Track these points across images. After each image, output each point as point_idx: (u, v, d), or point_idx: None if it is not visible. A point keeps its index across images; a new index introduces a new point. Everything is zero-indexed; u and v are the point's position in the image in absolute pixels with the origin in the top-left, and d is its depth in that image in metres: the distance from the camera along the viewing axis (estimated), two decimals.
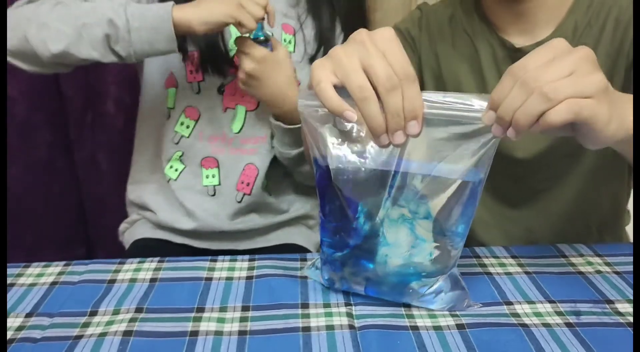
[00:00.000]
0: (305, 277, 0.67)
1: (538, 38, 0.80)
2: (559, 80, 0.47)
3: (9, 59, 0.84)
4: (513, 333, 0.57)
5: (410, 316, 0.60)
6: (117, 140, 1.36)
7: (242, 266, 0.70)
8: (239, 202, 0.99)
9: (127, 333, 0.57)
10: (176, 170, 1.00)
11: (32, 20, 0.80)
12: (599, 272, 0.68)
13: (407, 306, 0.61)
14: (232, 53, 0.94)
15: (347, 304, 0.62)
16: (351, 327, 0.58)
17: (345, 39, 0.95)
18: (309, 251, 1.04)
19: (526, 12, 0.80)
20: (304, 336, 0.56)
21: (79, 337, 0.56)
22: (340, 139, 0.56)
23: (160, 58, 0.96)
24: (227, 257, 0.72)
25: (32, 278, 0.68)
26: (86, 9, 0.80)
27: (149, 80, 1.00)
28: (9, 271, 0.69)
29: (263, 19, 0.83)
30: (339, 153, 0.56)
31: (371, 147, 0.55)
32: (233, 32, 0.94)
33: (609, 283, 0.66)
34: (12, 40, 0.81)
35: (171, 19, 0.79)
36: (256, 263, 0.71)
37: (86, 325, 0.58)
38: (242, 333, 0.57)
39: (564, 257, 0.72)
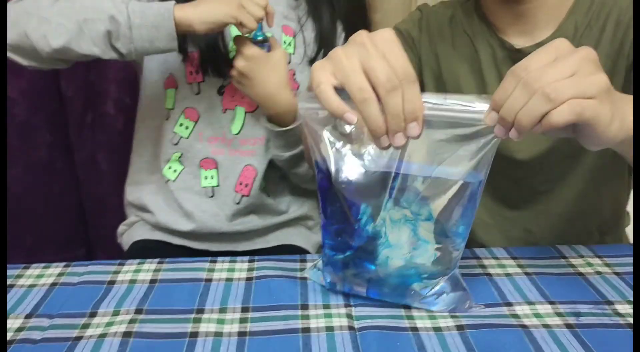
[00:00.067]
0: (305, 279, 0.67)
1: (538, 39, 0.80)
2: (561, 81, 0.47)
3: (7, 53, 0.84)
4: (513, 334, 0.57)
5: (410, 317, 0.60)
6: (117, 140, 1.36)
7: (241, 267, 0.70)
8: (238, 203, 0.99)
9: (126, 334, 0.57)
10: (175, 171, 1.00)
11: (33, 15, 0.80)
12: (599, 273, 0.68)
13: (407, 307, 0.61)
14: (232, 54, 0.94)
15: (346, 305, 0.62)
16: (351, 328, 0.58)
17: (346, 40, 0.95)
18: (308, 252, 1.04)
19: (526, 13, 0.80)
20: (304, 337, 0.56)
21: (78, 339, 0.56)
22: (341, 142, 0.56)
23: (159, 59, 0.96)
24: (227, 259, 0.72)
25: (32, 279, 0.68)
26: (88, 5, 0.80)
27: (148, 81, 1.00)
28: (9, 272, 0.69)
29: (262, 19, 0.83)
30: (340, 155, 0.56)
31: (372, 149, 0.55)
32: (233, 34, 0.94)
33: (609, 284, 0.66)
34: (12, 34, 0.81)
35: (172, 17, 0.79)
36: (256, 264, 0.70)
37: (86, 326, 0.58)
38: (241, 334, 0.57)
39: (563, 258, 0.72)
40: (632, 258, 0.72)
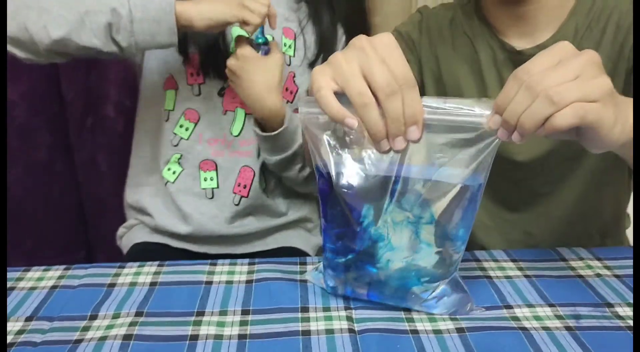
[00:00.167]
0: (305, 281, 0.67)
1: (538, 41, 0.80)
2: (564, 84, 0.47)
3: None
4: (513, 337, 0.57)
5: (410, 320, 0.60)
6: (117, 142, 1.36)
7: (241, 270, 0.70)
8: (237, 205, 0.99)
9: (127, 337, 0.57)
10: (174, 172, 1.00)
11: (33, 7, 0.79)
12: (598, 275, 0.68)
13: (407, 310, 0.61)
14: (234, 49, 0.94)
15: (347, 308, 0.62)
16: (351, 331, 0.58)
17: (347, 42, 0.95)
18: (307, 255, 1.04)
19: (526, 15, 0.80)
20: (304, 340, 0.56)
21: (79, 341, 0.56)
22: (341, 146, 0.56)
23: (159, 59, 0.97)
24: (227, 261, 0.72)
25: (32, 282, 0.68)
26: None
27: (147, 82, 1.00)
28: (9, 274, 0.69)
29: (266, 16, 0.83)
30: (340, 160, 0.56)
31: (372, 153, 0.56)
32: (233, 34, 0.94)
33: (609, 287, 0.66)
34: (11, 27, 0.80)
35: (174, 12, 0.79)
36: (256, 267, 0.71)
37: (86, 329, 0.58)
38: (241, 337, 0.57)
39: (563, 260, 0.72)
40: (632, 260, 0.72)
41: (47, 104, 1.32)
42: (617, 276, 0.68)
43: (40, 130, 1.33)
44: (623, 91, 0.77)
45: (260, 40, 0.89)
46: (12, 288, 0.66)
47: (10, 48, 0.83)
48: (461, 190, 0.55)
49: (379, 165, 0.56)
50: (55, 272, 0.70)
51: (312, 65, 1.01)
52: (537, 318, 0.60)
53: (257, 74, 0.88)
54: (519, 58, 0.80)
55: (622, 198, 0.93)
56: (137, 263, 0.71)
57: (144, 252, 1.01)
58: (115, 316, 0.61)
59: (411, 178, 0.55)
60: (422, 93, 0.90)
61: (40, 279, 0.68)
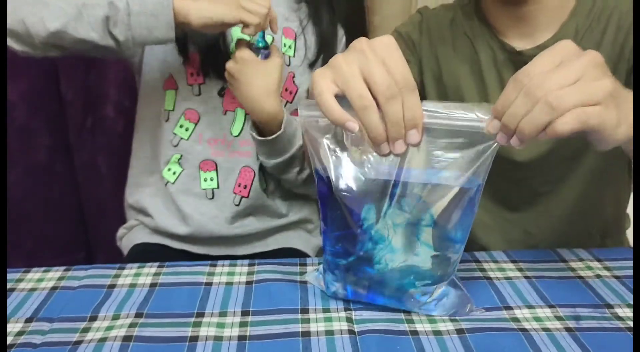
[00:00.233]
0: (305, 282, 0.67)
1: (539, 41, 0.80)
2: (564, 88, 0.47)
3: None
4: (513, 338, 0.57)
5: (410, 321, 0.60)
6: (117, 143, 1.36)
7: (241, 271, 0.70)
8: (237, 205, 0.99)
9: (126, 338, 0.57)
10: (174, 173, 1.00)
11: (30, 1, 0.79)
12: (598, 276, 0.68)
13: (407, 311, 0.61)
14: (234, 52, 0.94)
15: (346, 309, 0.62)
16: (351, 332, 0.58)
17: (347, 43, 0.95)
18: (308, 256, 1.04)
19: (527, 15, 0.80)
20: (304, 341, 0.56)
21: (78, 343, 0.56)
22: (340, 149, 0.56)
23: (159, 59, 0.96)
24: (227, 262, 0.72)
25: (32, 283, 0.68)
26: None
27: (147, 82, 1.00)
28: (9, 275, 0.69)
29: (265, 17, 0.82)
30: (340, 163, 0.56)
31: (371, 157, 0.56)
32: (234, 36, 0.94)
33: (609, 288, 0.66)
34: (8, 19, 0.80)
35: (172, 7, 0.79)
36: (256, 268, 0.71)
37: (86, 330, 0.58)
38: (241, 338, 0.57)
39: (563, 261, 0.72)
40: (632, 261, 0.72)
41: (46, 105, 1.32)
42: (617, 277, 0.68)
43: (39, 131, 1.33)
44: None
45: (260, 44, 0.89)
46: (12, 289, 0.66)
47: (7, 40, 0.82)
48: (460, 192, 0.55)
49: (378, 169, 0.56)
50: (55, 273, 0.70)
51: (312, 65, 1.01)
52: (537, 319, 0.60)
53: (256, 78, 0.88)
54: (519, 59, 0.80)
55: (622, 198, 0.93)
56: (137, 264, 0.71)
57: (144, 253, 1.00)
58: (115, 317, 0.61)
59: (410, 181, 0.55)
60: (423, 93, 0.91)
61: (40, 280, 0.68)
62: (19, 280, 0.68)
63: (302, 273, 0.69)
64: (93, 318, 0.61)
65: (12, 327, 0.59)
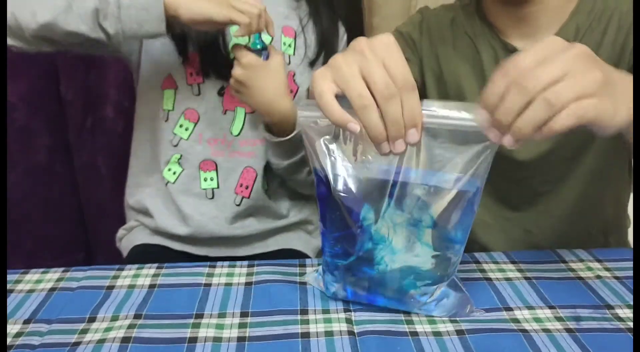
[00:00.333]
0: (305, 283, 0.67)
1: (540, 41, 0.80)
2: (559, 84, 0.47)
3: None
4: (513, 339, 0.57)
5: (410, 322, 0.60)
6: (117, 144, 1.36)
7: (241, 272, 0.70)
8: (238, 205, 0.99)
9: (125, 339, 0.56)
10: (174, 173, 1.00)
11: None
12: (598, 277, 0.68)
13: (407, 312, 0.61)
14: (232, 55, 0.94)
15: (346, 310, 0.62)
16: (350, 333, 0.58)
17: (348, 41, 0.94)
18: (308, 257, 1.04)
19: (528, 16, 0.80)
20: (303, 342, 0.56)
21: (77, 344, 0.56)
22: (339, 150, 0.56)
23: (157, 59, 0.96)
24: (226, 263, 0.72)
25: (31, 284, 0.67)
26: None
27: (145, 82, 0.99)
28: (8, 276, 0.69)
29: (257, 17, 0.82)
30: (338, 163, 0.56)
31: (370, 157, 0.55)
32: (230, 44, 0.94)
33: (609, 288, 0.66)
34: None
35: (162, 0, 0.78)
36: (255, 269, 0.70)
37: (84, 331, 0.58)
38: (240, 339, 0.57)
39: (563, 262, 0.72)
40: (632, 262, 0.71)
41: (46, 105, 1.32)
42: (617, 278, 0.68)
43: (39, 131, 1.32)
44: None
45: (259, 46, 0.89)
46: (11, 290, 0.66)
47: None
48: (459, 193, 0.55)
49: (377, 169, 0.56)
50: (54, 274, 0.69)
51: (312, 64, 1.01)
52: (537, 320, 0.60)
53: (267, 80, 0.88)
54: None
55: (622, 196, 0.93)
56: (136, 265, 0.71)
57: (144, 255, 1.00)
58: (114, 318, 0.60)
59: (409, 182, 0.55)
60: (424, 93, 0.91)
61: (38, 281, 0.68)
62: (18, 281, 0.68)
63: (302, 274, 0.69)
64: (92, 319, 0.60)
65: (11, 328, 0.59)
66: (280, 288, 0.66)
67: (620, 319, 0.60)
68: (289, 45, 1.00)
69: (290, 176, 0.99)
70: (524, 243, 0.90)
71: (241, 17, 0.80)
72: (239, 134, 0.98)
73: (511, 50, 0.82)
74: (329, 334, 0.57)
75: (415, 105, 0.51)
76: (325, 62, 0.99)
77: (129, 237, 1.06)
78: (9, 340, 0.57)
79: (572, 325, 0.59)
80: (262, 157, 0.99)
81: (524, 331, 0.58)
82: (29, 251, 1.38)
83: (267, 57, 0.89)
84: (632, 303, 0.63)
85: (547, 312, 0.61)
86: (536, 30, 0.81)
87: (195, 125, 0.98)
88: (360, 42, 0.52)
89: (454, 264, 0.60)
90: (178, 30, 0.83)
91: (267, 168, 1.00)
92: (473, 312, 0.61)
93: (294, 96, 1.00)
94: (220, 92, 0.97)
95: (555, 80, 0.47)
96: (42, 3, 0.78)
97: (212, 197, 0.99)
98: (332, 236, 0.60)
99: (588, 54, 0.49)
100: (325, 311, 0.62)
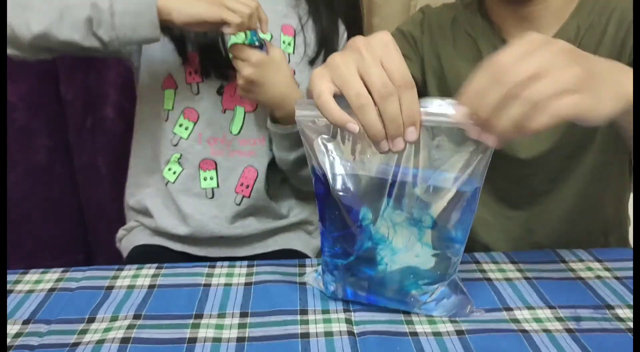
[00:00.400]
0: (304, 283, 0.67)
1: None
2: (539, 82, 0.46)
3: None
4: (513, 339, 0.56)
5: (410, 322, 0.60)
6: (116, 144, 1.36)
7: (240, 272, 0.70)
8: (238, 204, 0.99)
9: (125, 340, 0.56)
10: (174, 173, 1.00)
11: (16, 4, 0.79)
12: (599, 277, 0.68)
13: (407, 312, 0.61)
14: (231, 55, 0.94)
15: (346, 310, 0.62)
16: (350, 333, 0.57)
17: (349, 39, 0.94)
18: (307, 257, 1.04)
19: (530, 15, 0.80)
20: (303, 342, 0.56)
21: (76, 345, 0.56)
22: (337, 149, 0.56)
23: (158, 59, 0.96)
24: (226, 263, 0.72)
25: (30, 285, 0.67)
26: None
27: (146, 82, 0.99)
28: (7, 277, 0.69)
29: (249, 16, 0.82)
30: (337, 162, 0.56)
31: (368, 156, 0.55)
32: (228, 44, 0.93)
33: (609, 288, 0.66)
34: None
35: (155, 6, 0.78)
36: (255, 269, 0.70)
37: (84, 332, 0.58)
38: (240, 339, 0.57)
39: (563, 262, 0.72)
40: (632, 262, 0.71)
41: (46, 105, 1.32)
42: (617, 278, 0.68)
43: (39, 131, 1.32)
44: None
45: (256, 43, 0.89)
46: (10, 291, 0.66)
47: None
48: (458, 192, 0.55)
49: (375, 168, 0.56)
50: (53, 274, 0.69)
51: (312, 62, 1.01)
52: (537, 320, 0.60)
53: (277, 74, 0.88)
54: None
55: (623, 196, 0.93)
56: (136, 266, 0.71)
57: (144, 255, 1.00)
58: (113, 319, 0.60)
59: (408, 181, 0.55)
60: (425, 91, 0.91)
61: (38, 281, 0.68)
62: (17, 281, 0.68)
63: (301, 274, 0.69)
64: (91, 320, 0.60)
65: (10, 329, 0.59)
66: (280, 288, 0.66)
67: (620, 319, 0.60)
68: (288, 44, 1.00)
69: (297, 171, 0.99)
70: (524, 242, 0.90)
71: (232, 16, 0.79)
72: (238, 133, 0.98)
73: None
74: (328, 334, 0.57)
75: (413, 104, 0.51)
76: (325, 60, 0.99)
77: (129, 238, 1.06)
78: (8, 340, 0.57)
79: (572, 325, 0.59)
80: (263, 156, 0.99)
81: (524, 331, 0.58)
82: (29, 251, 1.38)
83: (266, 53, 0.89)
84: (632, 303, 0.63)
85: (547, 313, 0.61)
86: (538, 29, 0.81)
87: (194, 125, 0.98)
88: (357, 41, 0.52)
89: (454, 264, 0.59)
90: (176, 32, 0.83)
91: (269, 168, 1.00)
92: (473, 312, 0.61)
93: None
94: (220, 91, 0.97)
95: (534, 76, 0.47)
96: (35, 13, 0.79)
97: (212, 197, 0.99)
98: (332, 236, 0.60)
99: (568, 50, 0.49)
100: (325, 311, 0.62)
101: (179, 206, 0.99)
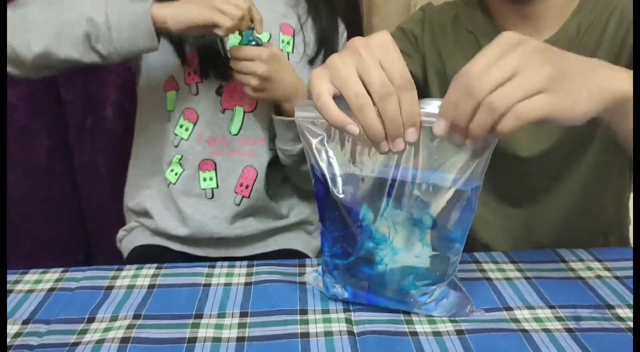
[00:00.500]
0: (304, 283, 0.67)
1: (542, 38, 0.80)
2: (503, 87, 0.46)
3: None
4: (513, 339, 0.56)
5: (410, 322, 0.60)
6: (117, 145, 1.36)
7: (240, 272, 0.70)
8: (238, 205, 0.99)
9: (124, 340, 0.56)
10: (176, 173, 1.00)
11: (16, 26, 0.80)
12: (599, 277, 0.68)
13: (407, 312, 0.61)
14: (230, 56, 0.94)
15: (346, 310, 0.62)
16: (350, 333, 0.57)
17: (349, 39, 0.94)
18: (307, 257, 1.04)
19: (532, 13, 0.81)
20: (303, 342, 0.56)
21: (76, 344, 0.56)
22: (337, 149, 0.56)
23: (160, 62, 0.96)
24: (226, 263, 0.72)
25: (30, 285, 0.67)
26: (67, 9, 0.79)
27: (147, 84, 0.99)
28: (7, 277, 0.69)
29: (241, 19, 0.82)
30: (337, 163, 0.56)
31: (368, 157, 0.55)
32: (232, 36, 0.94)
33: (609, 288, 0.66)
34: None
35: (150, 16, 0.79)
36: (254, 269, 0.70)
37: (84, 332, 0.58)
38: (240, 339, 0.57)
39: (563, 262, 0.72)
40: (632, 262, 0.71)
41: (46, 105, 1.32)
42: (617, 278, 0.68)
43: (39, 132, 1.32)
44: None
45: (252, 43, 0.89)
46: (10, 291, 0.66)
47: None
48: (457, 192, 0.55)
49: (375, 168, 0.55)
50: (53, 274, 0.69)
51: (311, 62, 1.01)
52: (537, 320, 0.60)
53: (286, 69, 0.89)
54: None
55: (623, 195, 0.93)
56: (135, 266, 0.71)
57: (144, 255, 1.00)
58: (113, 319, 0.60)
59: (407, 181, 0.55)
60: (427, 89, 0.91)
61: (37, 281, 0.68)
62: (17, 281, 0.68)
63: (301, 274, 0.69)
64: (91, 320, 0.60)
65: (10, 329, 0.59)
66: (280, 288, 0.66)
67: (620, 319, 0.60)
68: (287, 43, 1.00)
69: (300, 165, 0.98)
70: (524, 240, 0.90)
71: (223, 19, 0.80)
72: (237, 133, 0.98)
73: None
74: (328, 334, 0.57)
75: (413, 104, 0.50)
76: (325, 60, 0.99)
77: (129, 238, 1.06)
78: (7, 340, 0.57)
79: (572, 325, 0.59)
80: (262, 156, 0.99)
81: (524, 330, 0.58)
82: (28, 251, 1.38)
83: None
84: (632, 303, 0.63)
85: (547, 312, 0.61)
86: (539, 27, 0.81)
87: (194, 126, 0.98)
88: (357, 41, 0.52)
89: (453, 263, 0.59)
90: (175, 37, 0.83)
91: (269, 167, 1.00)
92: (473, 312, 0.61)
93: None
94: (219, 92, 0.97)
95: (502, 82, 0.46)
96: (34, 33, 0.79)
97: (212, 197, 0.99)
98: (332, 236, 0.60)
99: (542, 49, 0.49)
100: (325, 311, 0.61)
101: (179, 207, 0.99)
